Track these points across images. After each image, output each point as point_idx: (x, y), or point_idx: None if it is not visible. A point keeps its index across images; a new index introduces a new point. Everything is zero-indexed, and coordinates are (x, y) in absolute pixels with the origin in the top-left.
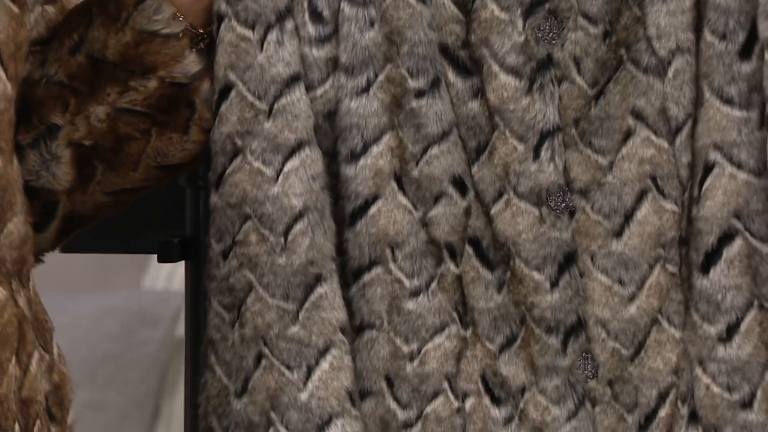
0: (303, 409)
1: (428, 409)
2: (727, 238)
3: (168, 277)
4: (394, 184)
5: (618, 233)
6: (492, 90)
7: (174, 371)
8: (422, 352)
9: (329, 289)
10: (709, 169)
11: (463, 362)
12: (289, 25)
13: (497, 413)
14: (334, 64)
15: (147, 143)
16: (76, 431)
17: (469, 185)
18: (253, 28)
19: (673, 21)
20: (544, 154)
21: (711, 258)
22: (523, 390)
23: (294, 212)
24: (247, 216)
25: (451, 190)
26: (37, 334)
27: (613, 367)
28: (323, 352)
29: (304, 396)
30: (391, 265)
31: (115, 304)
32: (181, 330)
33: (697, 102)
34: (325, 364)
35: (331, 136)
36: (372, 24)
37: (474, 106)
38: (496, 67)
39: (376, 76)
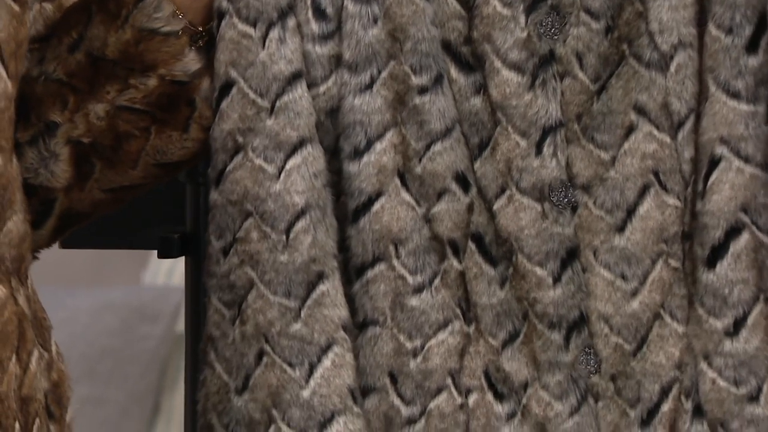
0: (305, 406)
1: (432, 405)
2: (734, 232)
3: (168, 273)
4: (397, 181)
5: (620, 228)
6: (494, 86)
7: (174, 367)
8: (425, 348)
9: (331, 287)
10: (715, 163)
11: (466, 358)
12: (291, 22)
13: (500, 409)
14: (336, 62)
15: (146, 141)
16: (76, 426)
17: (471, 181)
18: (254, 25)
19: (675, 15)
20: (547, 149)
21: (717, 252)
22: (525, 385)
23: (296, 210)
24: (249, 213)
25: (454, 186)
26: (36, 332)
27: (615, 362)
28: (325, 350)
29: (306, 393)
30: (395, 262)
31: (114, 299)
32: (181, 325)
33: (700, 96)
34: (327, 362)
35: (332, 133)
36: (375, 21)
37: (476, 102)
38: (498, 63)
39: (380, 73)
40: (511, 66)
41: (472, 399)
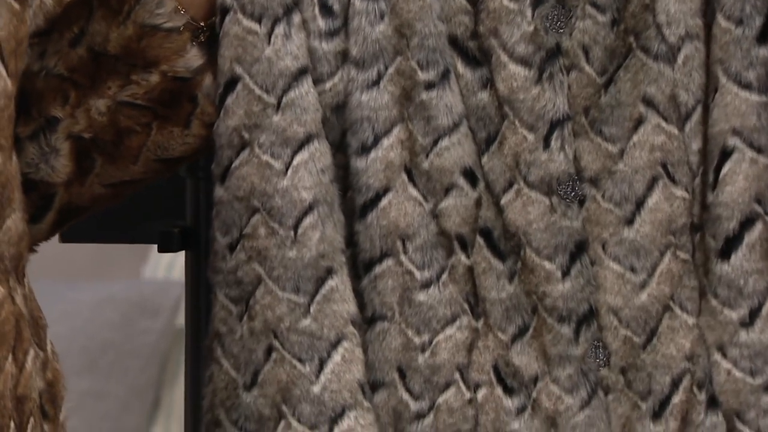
0: (315, 401)
1: (440, 399)
2: (748, 222)
3: (168, 267)
4: (404, 177)
5: (630, 221)
6: (501, 80)
7: (174, 361)
8: (434, 343)
9: (340, 282)
10: (727, 154)
11: (475, 353)
12: (297, 18)
13: (509, 403)
14: (343, 58)
15: (147, 137)
16: (76, 420)
17: (479, 176)
18: (259, 21)
19: (682, 7)
20: (554, 143)
21: (732, 243)
22: (535, 380)
23: (304, 205)
24: (255, 209)
25: (461, 181)
26: (32, 332)
27: (625, 355)
28: (335, 345)
29: (316, 389)
30: (402, 257)
31: (115, 293)
32: (181, 320)
33: (707, 88)
34: (337, 357)
35: (338, 129)
36: (382, 17)
37: (483, 96)
38: (505, 57)
39: (387, 68)
40: (518, 60)
41: (481, 394)
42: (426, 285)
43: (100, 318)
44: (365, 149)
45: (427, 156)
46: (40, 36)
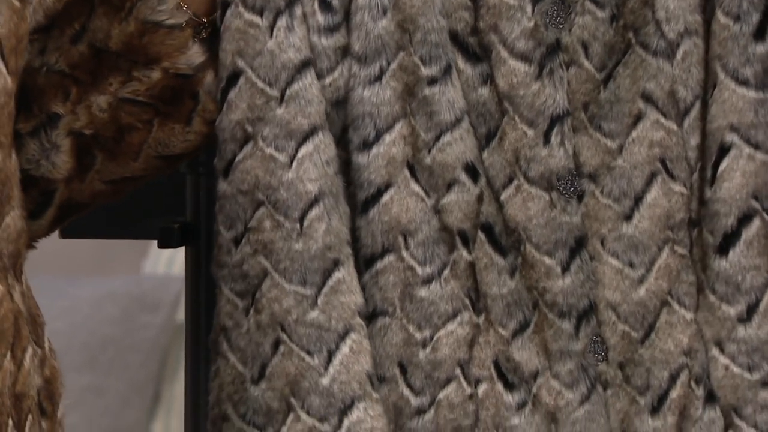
0: (325, 393)
1: (441, 395)
2: (745, 219)
3: (168, 263)
4: (406, 172)
5: (628, 216)
6: (501, 76)
7: (174, 356)
8: (435, 338)
9: (346, 273)
10: (725, 150)
11: (476, 348)
12: (299, 10)
13: (510, 399)
14: (343, 53)
15: (148, 133)
16: (76, 415)
17: (481, 172)
18: (261, 14)
19: (681, 3)
20: (554, 138)
21: (730, 239)
22: (536, 375)
23: (309, 197)
24: (260, 202)
25: (463, 177)
26: (30, 329)
27: (623, 350)
28: (343, 336)
29: (325, 381)
30: (404, 253)
31: (115, 288)
32: (181, 315)
33: (706, 84)
34: (345, 348)
35: (339, 125)
36: (384, 12)
37: (483, 92)
38: (505, 53)
39: (389, 64)
40: (518, 56)
41: (482, 389)
42: (427, 281)
43: (101, 313)
44: (367, 145)
45: (429, 151)
46: (41, 32)
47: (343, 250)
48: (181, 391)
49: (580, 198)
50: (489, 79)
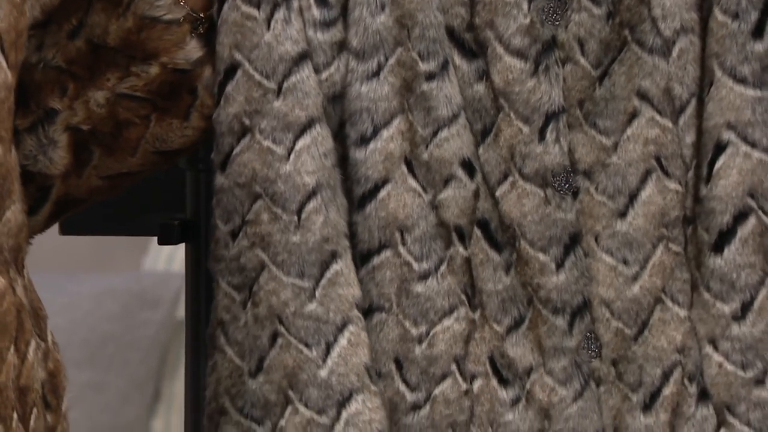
0: (323, 386)
1: (436, 391)
2: (741, 216)
3: (168, 259)
4: (404, 168)
5: (623, 213)
6: (497, 72)
7: (174, 353)
8: (431, 334)
9: (344, 266)
10: (721, 148)
11: (472, 344)
12: (295, 3)
13: (504, 395)
14: (339, 48)
15: (146, 129)
16: (77, 412)
17: (477, 167)
18: (258, 6)
19: (677, 1)
20: (549, 135)
21: (725, 237)
22: (530, 371)
23: (307, 190)
24: (258, 195)
25: (460, 172)
26: (33, 322)
27: (616, 347)
28: (341, 329)
29: (323, 373)
30: (401, 249)
31: (115, 285)
32: (181, 311)
33: (702, 82)
34: (343, 341)
35: (335, 120)
36: (383, 8)
37: (479, 88)
38: (500, 50)
39: (387, 60)
40: (513, 52)
41: (477, 385)
42: (424, 276)
43: (101, 310)
44: (364, 140)
45: (427, 147)
46: (38, 28)
47: (341, 242)
48: (182, 387)
49: (575, 195)
50: (485, 75)
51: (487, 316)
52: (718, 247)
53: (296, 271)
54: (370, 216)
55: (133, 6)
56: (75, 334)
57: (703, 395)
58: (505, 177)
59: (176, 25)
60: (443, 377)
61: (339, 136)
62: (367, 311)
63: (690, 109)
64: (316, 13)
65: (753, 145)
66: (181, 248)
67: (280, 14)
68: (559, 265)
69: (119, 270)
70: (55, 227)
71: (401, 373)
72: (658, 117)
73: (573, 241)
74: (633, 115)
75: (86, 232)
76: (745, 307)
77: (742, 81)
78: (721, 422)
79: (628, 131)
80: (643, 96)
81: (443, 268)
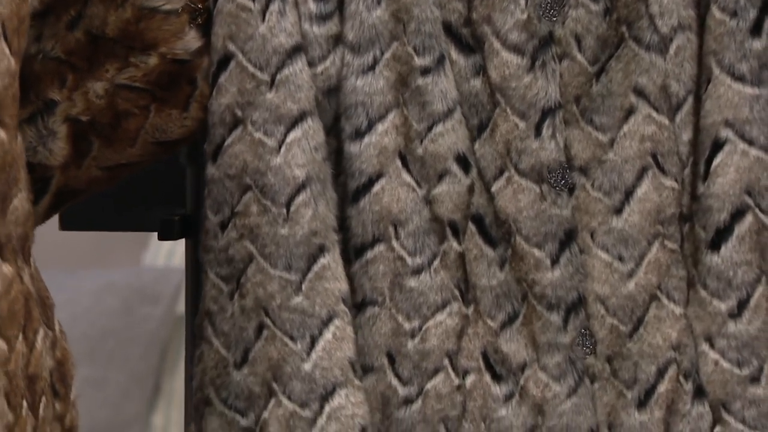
0: (306, 379)
1: (429, 385)
2: (738, 214)
3: (168, 254)
4: (398, 162)
5: (618, 210)
6: (494, 68)
7: (174, 348)
8: (423, 329)
9: (332, 260)
10: (719, 146)
11: (465, 339)
12: None
13: (498, 390)
14: (335, 42)
15: (146, 119)
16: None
17: (472, 163)
18: None
19: None
20: (546, 131)
21: (722, 234)
22: (523, 367)
23: (297, 183)
24: (248, 187)
25: (455, 167)
26: (40, 311)
27: (611, 344)
28: (326, 323)
29: (307, 366)
30: (394, 243)
31: (115, 280)
32: (181, 307)
33: (699, 79)
34: (328, 335)
35: (330, 113)
36: (379, 2)
37: (476, 83)
38: (497, 45)
39: (382, 54)
40: (510, 48)
41: (470, 380)
42: (417, 271)
43: (101, 305)
44: (359, 134)
45: (421, 142)
46: (36, 19)
47: (329, 236)
48: (182, 383)
49: (571, 191)
50: (482, 70)
51: (481, 311)
52: (715, 244)
53: (283, 263)
54: (364, 210)
55: None
56: (75, 330)
57: (699, 392)
58: (501, 172)
59: (175, 15)
60: (435, 372)
61: (334, 129)
62: (360, 305)
63: (687, 107)
64: (312, 6)
65: (750, 142)
66: (181, 243)
67: (275, 6)
68: (555, 261)
69: (119, 265)
70: (55, 223)
71: (394, 368)
72: (654, 114)
73: (568, 238)
74: (629, 112)
75: (86, 227)
76: (742, 305)
77: (740, 79)
78: (716, 420)
79: (625, 128)
80: (639, 93)
81: (436, 262)
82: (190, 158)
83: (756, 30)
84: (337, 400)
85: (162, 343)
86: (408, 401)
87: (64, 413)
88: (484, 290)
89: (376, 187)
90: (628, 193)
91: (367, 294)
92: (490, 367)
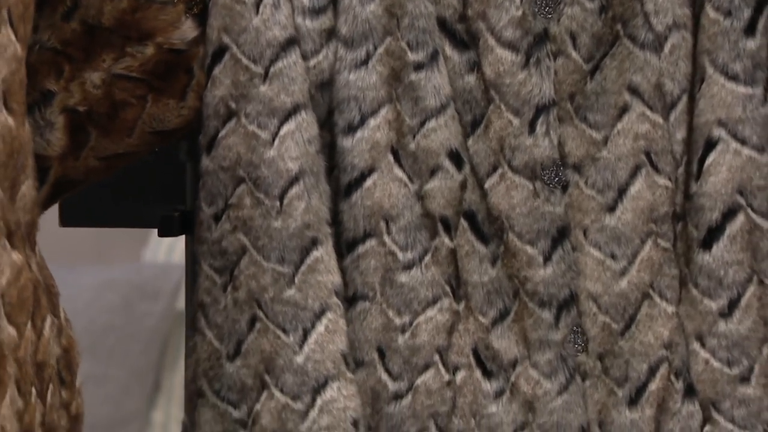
0: (299, 372)
1: (419, 381)
2: (730, 213)
3: (168, 251)
4: (390, 157)
5: (611, 208)
6: (488, 64)
7: (174, 344)
8: (414, 324)
9: (324, 253)
10: (712, 145)
11: (455, 335)
12: None
13: (488, 386)
14: (328, 36)
15: (143, 109)
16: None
17: (465, 159)
18: None
19: None
20: (539, 128)
21: (714, 234)
22: (514, 364)
23: (290, 175)
24: (241, 179)
25: (447, 163)
26: (46, 299)
27: (603, 341)
28: (319, 315)
29: (299, 359)
30: (385, 238)
31: (115, 276)
32: (181, 303)
33: (693, 78)
34: (320, 327)
35: (323, 107)
36: None
37: (470, 80)
38: (492, 41)
39: (376, 48)
40: (505, 44)
41: (460, 376)
42: (408, 266)
43: (101, 301)
44: (351, 128)
45: (414, 137)
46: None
47: (322, 229)
48: (182, 379)
49: (564, 188)
50: (476, 66)
51: (472, 307)
52: (707, 243)
53: (276, 256)
54: (355, 204)
55: None
56: (75, 326)
57: (690, 391)
58: (495, 169)
59: (171, 5)
60: (426, 367)
61: (327, 123)
62: (351, 299)
63: (681, 105)
64: (305, 0)
65: (743, 142)
66: (181, 240)
67: None
68: (547, 259)
69: (119, 261)
70: (56, 219)
71: (384, 362)
72: (648, 112)
73: (561, 235)
74: (623, 110)
75: (87, 223)
76: (732, 304)
77: (733, 78)
78: (706, 419)
79: (619, 126)
80: (633, 91)
81: (428, 258)
82: (189, 154)
83: (750, 30)
84: (329, 392)
85: (162, 340)
86: (398, 396)
87: (70, 400)
88: (475, 286)
89: (368, 182)
90: (622, 191)
91: (358, 289)
92: (480, 363)
